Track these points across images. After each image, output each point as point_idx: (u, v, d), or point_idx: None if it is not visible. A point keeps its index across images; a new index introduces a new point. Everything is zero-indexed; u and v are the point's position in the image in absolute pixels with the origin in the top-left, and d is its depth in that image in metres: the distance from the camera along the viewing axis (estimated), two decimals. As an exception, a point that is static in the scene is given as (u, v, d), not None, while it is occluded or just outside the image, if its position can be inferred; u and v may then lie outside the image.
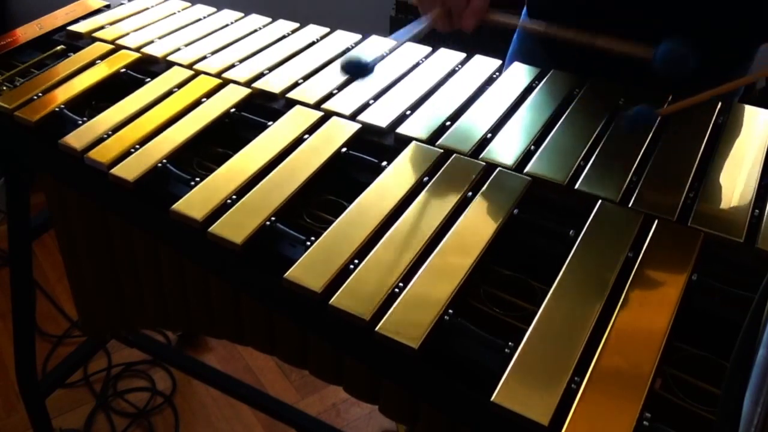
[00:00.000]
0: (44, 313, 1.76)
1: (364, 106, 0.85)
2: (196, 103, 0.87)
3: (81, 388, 1.62)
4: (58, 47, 1.01)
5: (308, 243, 0.66)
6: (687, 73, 0.69)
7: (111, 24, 1.07)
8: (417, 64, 0.94)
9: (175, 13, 1.11)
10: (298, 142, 0.80)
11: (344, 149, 0.78)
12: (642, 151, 0.76)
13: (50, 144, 0.82)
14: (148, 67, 0.96)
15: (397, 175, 0.74)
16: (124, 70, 0.95)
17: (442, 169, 0.74)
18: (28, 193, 1.08)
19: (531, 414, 0.51)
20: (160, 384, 1.63)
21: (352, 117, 0.83)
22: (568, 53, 0.92)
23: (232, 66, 0.95)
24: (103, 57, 0.98)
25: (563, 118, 0.81)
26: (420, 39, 0.98)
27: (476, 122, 0.81)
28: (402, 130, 0.80)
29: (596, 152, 0.76)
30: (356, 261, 0.64)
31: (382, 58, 0.88)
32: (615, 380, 0.53)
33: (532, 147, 0.77)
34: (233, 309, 0.79)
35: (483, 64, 0.94)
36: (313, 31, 1.04)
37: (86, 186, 0.85)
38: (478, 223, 0.67)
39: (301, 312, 0.66)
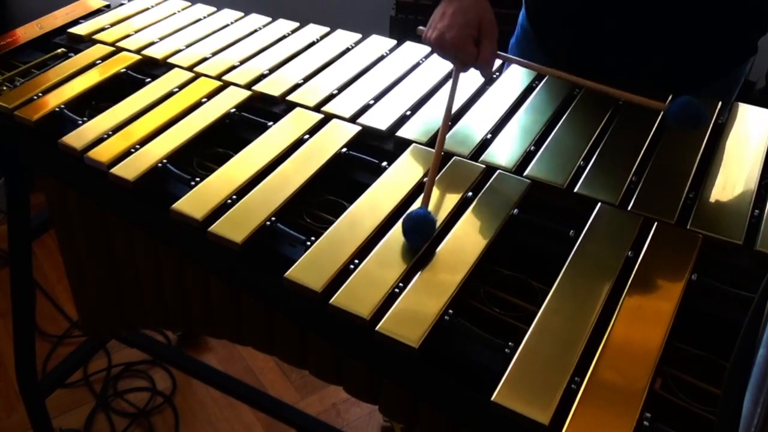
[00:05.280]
0: (44, 313, 1.76)
1: (364, 109, 0.85)
2: (197, 105, 0.87)
3: (81, 388, 1.62)
4: (59, 50, 1.01)
5: (308, 243, 0.66)
6: (699, 127, 0.75)
7: (111, 25, 1.07)
8: (417, 64, 0.94)
9: (175, 13, 1.11)
10: (298, 143, 0.80)
11: (344, 150, 0.78)
12: (642, 152, 0.76)
13: (50, 144, 0.82)
14: (148, 69, 0.96)
15: (398, 176, 0.74)
16: (124, 70, 0.95)
17: (442, 171, 0.74)
18: (28, 193, 1.08)
19: (531, 413, 0.51)
20: (160, 384, 1.63)
21: (353, 120, 0.83)
22: (566, 57, 0.92)
23: (233, 68, 0.95)
24: (103, 59, 0.98)
25: (563, 119, 0.81)
26: (419, 39, 0.98)
27: (476, 124, 0.81)
28: (402, 133, 0.80)
29: (596, 154, 0.76)
30: (356, 261, 0.64)
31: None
32: (615, 381, 0.53)
33: (532, 148, 0.77)
34: (233, 309, 0.79)
35: (483, 65, 0.94)
36: (313, 31, 1.04)
37: (86, 186, 0.85)
38: (478, 224, 0.67)
39: (301, 312, 0.66)
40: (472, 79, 0.90)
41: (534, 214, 0.69)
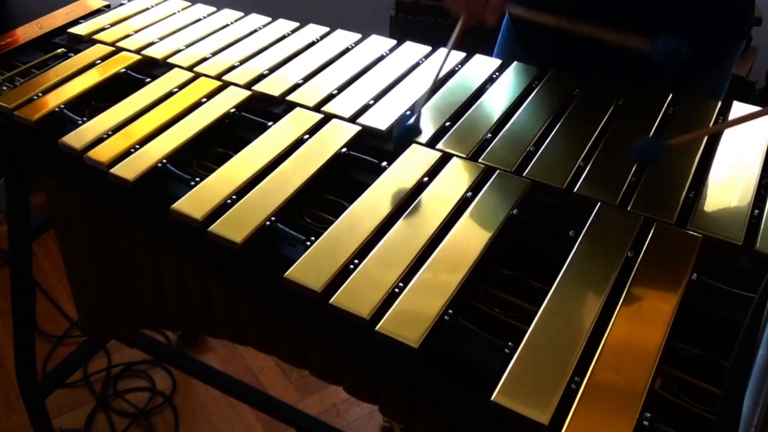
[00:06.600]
0: (44, 313, 1.76)
1: (364, 108, 0.85)
2: (197, 105, 0.87)
3: (81, 388, 1.62)
4: (59, 50, 1.01)
5: (308, 243, 0.66)
6: (680, 63, 0.72)
7: (111, 25, 1.07)
8: (417, 64, 0.94)
9: (175, 13, 1.11)
10: (298, 143, 0.80)
11: (344, 149, 0.78)
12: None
13: (50, 144, 0.82)
14: (148, 69, 0.96)
15: (397, 176, 0.74)
16: (124, 70, 0.95)
17: (442, 171, 0.74)
18: (28, 193, 1.08)
19: (531, 413, 0.51)
20: (160, 384, 1.63)
21: (352, 119, 0.83)
22: (550, 56, 0.92)
23: (233, 68, 0.95)
24: (103, 59, 0.97)
25: (563, 118, 0.81)
26: (419, 39, 0.98)
27: (476, 124, 0.81)
28: (402, 132, 0.80)
29: (596, 153, 0.76)
30: (356, 261, 0.64)
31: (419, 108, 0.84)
32: (615, 380, 0.53)
33: (532, 148, 0.77)
34: (233, 309, 0.79)
35: (483, 64, 0.94)
36: (313, 30, 1.04)
37: (86, 186, 0.85)
38: (478, 224, 0.67)
39: (301, 312, 0.66)
40: (471, 77, 0.90)
41: (534, 214, 0.69)
